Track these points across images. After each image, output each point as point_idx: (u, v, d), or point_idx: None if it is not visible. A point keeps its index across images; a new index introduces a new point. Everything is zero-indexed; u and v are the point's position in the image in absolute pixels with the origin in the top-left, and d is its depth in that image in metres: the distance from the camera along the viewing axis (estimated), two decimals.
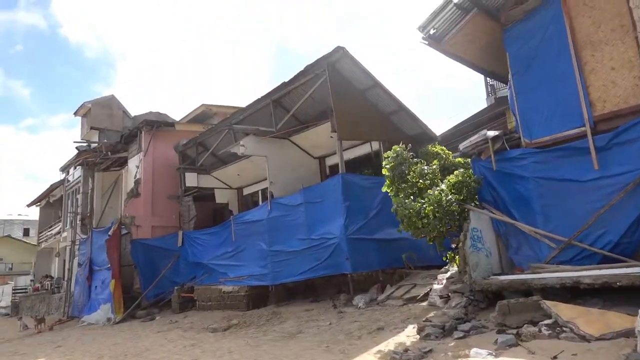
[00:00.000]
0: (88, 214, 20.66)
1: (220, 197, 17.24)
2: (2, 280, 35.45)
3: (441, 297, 7.60)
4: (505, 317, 6.12)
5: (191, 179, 16.58)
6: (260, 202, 15.99)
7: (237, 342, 8.40)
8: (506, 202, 7.61)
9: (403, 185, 7.55)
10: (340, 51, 10.96)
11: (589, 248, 6.59)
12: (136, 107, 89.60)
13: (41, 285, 24.89)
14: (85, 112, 24.38)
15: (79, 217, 20.63)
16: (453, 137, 15.38)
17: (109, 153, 20.09)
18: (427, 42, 8.14)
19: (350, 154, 12.92)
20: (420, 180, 7.63)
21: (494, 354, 5.10)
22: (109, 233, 15.94)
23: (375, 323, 7.79)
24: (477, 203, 7.96)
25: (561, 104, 7.01)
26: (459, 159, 10.73)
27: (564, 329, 5.37)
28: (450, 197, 7.16)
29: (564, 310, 5.66)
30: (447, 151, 11.84)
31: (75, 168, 23.99)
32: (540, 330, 5.45)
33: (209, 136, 15.98)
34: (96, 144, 21.36)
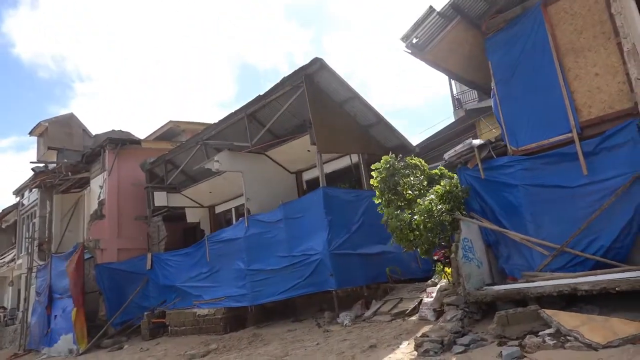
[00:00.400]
0: (46, 239, 19.35)
1: (192, 216, 16.58)
2: None
3: (435, 310, 7.36)
4: (504, 328, 5.92)
5: (160, 198, 15.86)
6: (234, 220, 15.47)
7: None
8: (495, 211, 7.52)
9: (394, 197, 7.33)
10: (317, 62, 10.79)
11: (582, 254, 6.54)
12: (96, 126, 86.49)
13: None
14: (42, 131, 23.17)
15: (36, 242, 19.29)
16: (424, 151, 15.52)
17: (69, 173, 19.00)
18: (410, 51, 8.08)
19: (328, 167, 12.68)
20: (410, 191, 7.44)
21: None
22: (71, 258, 14.91)
23: (366, 341, 7.44)
24: (464, 213, 7.84)
25: (546, 110, 7.04)
26: (435, 170, 10.73)
27: (568, 338, 5.20)
28: (440, 206, 6.99)
29: (565, 319, 5.52)
30: (424, 163, 11.83)
31: (30, 191, 22.58)
32: (544, 341, 5.27)
33: (179, 153, 15.40)
34: (55, 164, 20.24)
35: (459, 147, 8.14)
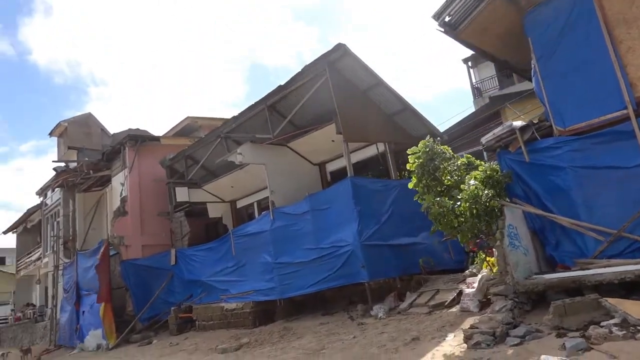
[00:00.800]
0: (71, 237, 19.50)
1: (214, 211, 16.44)
2: None
3: (479, 301, 7.02)
4: (562, 319, 5.55)
5: (182, 194, 15.71)
6: (256, 214, 15.27)
7: None
8: (540, 196, 7.11)
9: (433, 182, 6.97)
10: (341, 48, 10.41)
11: None
12: (113, 125, 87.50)
13: (23, 315, 23.43)
14: (62, 131, 23.25)
15: (61, 240, 19.45)
16: (446, 142, 15.09)
17: (91, 172, 19.07)
18: (442, 30, 7.69)
19: (353, 158, 12.33)
20: (449, 177, 7.08)
21: None
22: (97, 256, 14.92)
23: (406, 333, 7.14)
24: (506, 199, 7.45)
25: (595, 87, 6.59)
26: (462, 159, 10.36)
27: (639, 328, 4.84)
28: (487, 191, 6.61)
29: (631, 308, 5.13)
30: (451, 151, 11.45)
31: (53, 190, 22.79)
32: (611, 331, 4.89)
33: (198, 148, 15.20)
34: (75, 164, 20.30)
35: (497, 130, 7.73)
